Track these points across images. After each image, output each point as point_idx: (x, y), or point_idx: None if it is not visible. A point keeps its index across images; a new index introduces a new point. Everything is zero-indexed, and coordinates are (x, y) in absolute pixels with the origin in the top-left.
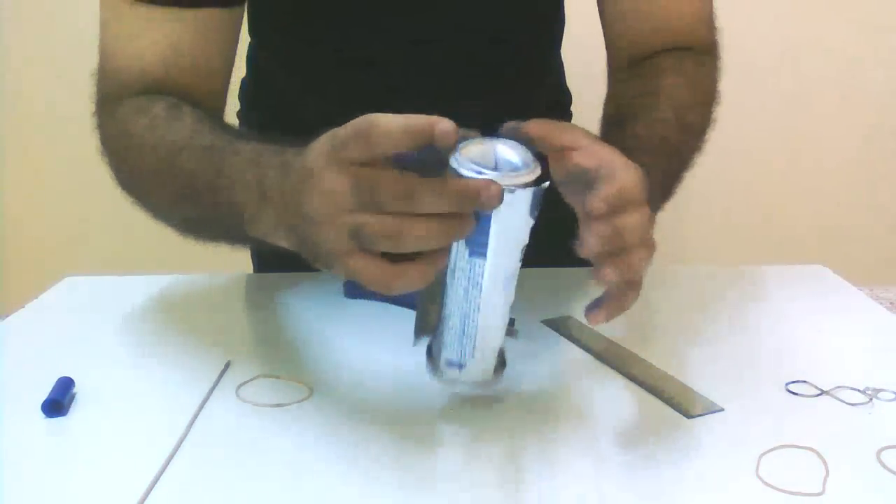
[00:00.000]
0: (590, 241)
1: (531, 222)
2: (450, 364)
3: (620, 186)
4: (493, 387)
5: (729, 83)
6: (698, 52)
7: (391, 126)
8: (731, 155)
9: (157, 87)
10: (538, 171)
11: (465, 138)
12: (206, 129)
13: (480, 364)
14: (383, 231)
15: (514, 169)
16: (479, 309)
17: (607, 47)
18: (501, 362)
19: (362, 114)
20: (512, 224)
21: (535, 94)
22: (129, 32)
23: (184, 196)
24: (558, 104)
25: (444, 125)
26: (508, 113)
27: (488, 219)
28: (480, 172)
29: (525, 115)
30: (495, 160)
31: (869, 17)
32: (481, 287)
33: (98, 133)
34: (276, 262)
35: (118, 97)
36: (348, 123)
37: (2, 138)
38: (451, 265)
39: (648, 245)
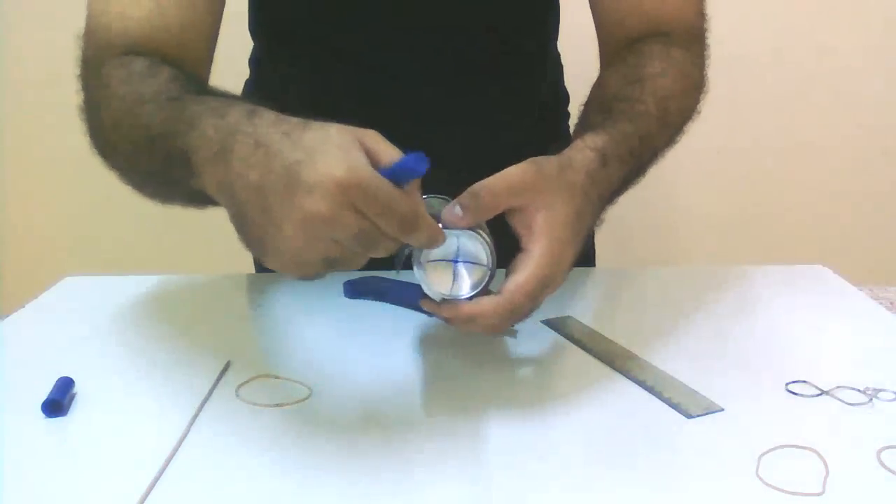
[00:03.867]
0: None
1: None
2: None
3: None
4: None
5: (729, 82)
6: (687, 38)
7: (411, 219)
8: (731, 155)
9: (142, 49)
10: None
11: (433, 197)
12: (179, 84)
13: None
14: (354, 265)
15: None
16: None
17: (598, 32)
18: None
19: (357, 115)
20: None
21: (530, 91)
22: None
23: (140, 147)
24: (553, 104)
25: (440, 240)
26: (504, 109)
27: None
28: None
29: (518, 112)
30: (457, 251)
31: (869, 16)
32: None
33: (81, 93)
34: None
35: (102, 58)
36: (378, 181)
37: (2, 138)
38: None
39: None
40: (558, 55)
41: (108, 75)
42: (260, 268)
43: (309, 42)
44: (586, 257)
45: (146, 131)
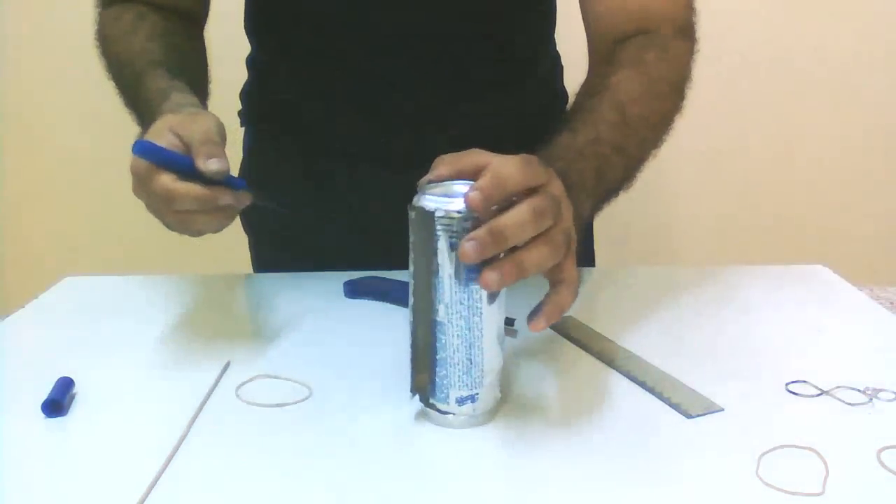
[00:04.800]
0: (465, 247)
1: None
2: (462, 402)
3: (494, 174)
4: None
5: (729, 83)
6: (673, 34)
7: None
8: (731, 155)
9: None
10: None
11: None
12: (149, 52)
13: (490, 390)
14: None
15: None
16: (482, 334)
17: (586, 31)
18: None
19: (353, 110)
20: None
21: (526, 91)
22: None
23: (119, 86)
24: (551, 104)
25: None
26: (501, 111)
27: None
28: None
29: (516, 113)
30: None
31: (869, 16)
32: (481, 311)
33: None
34: (275, 262)
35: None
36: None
37: (2, 138)
38: (443, 307)
39: (550, 241)
40: (557, 55)
41: (105, 25)
42: (260, 268)
43: (303, 42)
44: (586, 257)
45: (120, 81)
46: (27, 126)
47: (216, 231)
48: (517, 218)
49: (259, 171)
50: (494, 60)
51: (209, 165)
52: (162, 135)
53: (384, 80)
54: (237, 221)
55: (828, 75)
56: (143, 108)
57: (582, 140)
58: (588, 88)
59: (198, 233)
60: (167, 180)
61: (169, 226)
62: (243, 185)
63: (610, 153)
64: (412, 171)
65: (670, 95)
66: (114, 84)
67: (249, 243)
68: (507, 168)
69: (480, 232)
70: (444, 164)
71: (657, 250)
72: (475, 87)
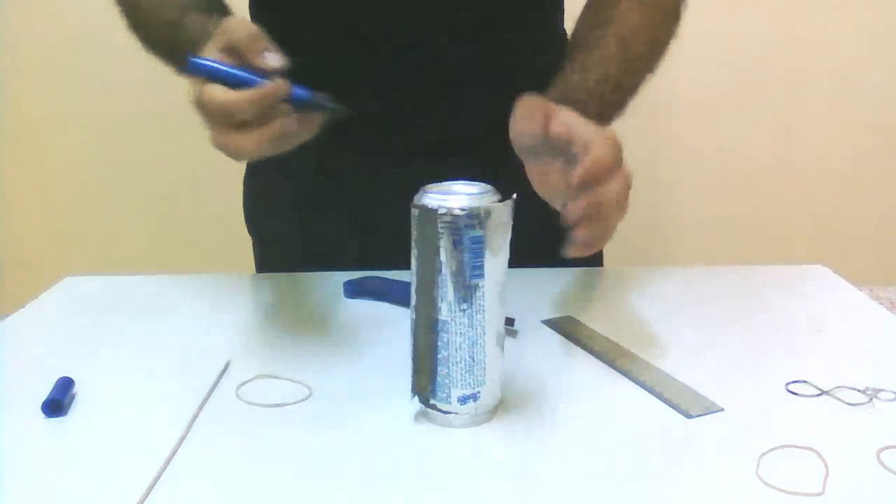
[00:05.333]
0: (572, 209)
1: (509, 235)
2: (464, 401)
3: (596, 158)
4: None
5: (730, 82)
6: None
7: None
8: (731, 155)
9: None
10: (499, 195)
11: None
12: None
13: (492, 388)
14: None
15: (481, 193)
16: (485, 331)
17: None
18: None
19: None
20: (498, 238)
21: (529, 34)
22: None
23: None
24: (552, 47)
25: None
26: (501, 55)
27: (480, 239)
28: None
29: (517, 57)
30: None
31: (869, 15)
32: (484, 309)
33: None
34: (276, 262)
35: None
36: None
37: (2, 138)
38: (445, 305)
39: (623, 207)
40: (564, 33)
41: None
42: (260, 268)
43: (306, 22)
44: (596, 255)
45: (150, 32)
46: (27, 126)
47: (277, 150)
48: (613, 191)
49: (264, 164)
50: (499, 36)
51: (267, 61)
52: (209, 52)
53: (378, 26)
54: (240, 221)
55: (828, 75)
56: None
57: (592, 80)
58: (591, 20)
59: (265, 150)
60: (218, 92)
61: (235, 152)
62: (306, 91)
63: (613, 91)
64: (414, 161)
65: (669, 22)
66: (142, 35)
67: (254, 245)
68: (602, 152)
69: (586, 199)
70: (534, 118)
71: (657, 250)
72: (473, 31)
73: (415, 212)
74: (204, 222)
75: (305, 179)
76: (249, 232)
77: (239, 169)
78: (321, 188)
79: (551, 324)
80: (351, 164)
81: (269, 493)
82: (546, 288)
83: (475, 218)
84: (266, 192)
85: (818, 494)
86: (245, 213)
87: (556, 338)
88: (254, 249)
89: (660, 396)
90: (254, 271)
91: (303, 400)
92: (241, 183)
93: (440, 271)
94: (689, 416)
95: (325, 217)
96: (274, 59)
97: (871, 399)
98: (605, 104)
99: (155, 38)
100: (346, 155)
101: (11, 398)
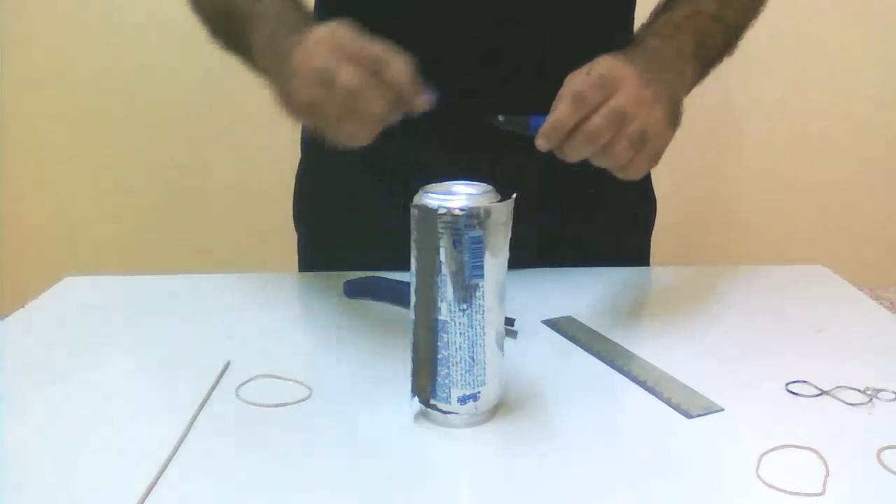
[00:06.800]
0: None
1: (509, 235)
2: (464, 401)
3: (594, 67)
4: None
5: (730, 82)
6: None
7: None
8: (731, 155)
9: None
10: (499, 195)
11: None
12: None
13: (492, 388)
14: (358, 120)
15: (481, 193)
16: (485, 331)
17: None
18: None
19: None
20: (498, 238)
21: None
22: None
23: (220, 25)
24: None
25: (423, 99)
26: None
27: (480, 239)
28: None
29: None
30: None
31: (870, 15)
32: (484, 308)
33: None
34: (327, 259)
35: None
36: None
37: (2, 138)
38: (445, 305)
39: (632, 123)
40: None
41: None
42: (307, 266)
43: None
44: (642, 255)
45: (233, 26)
46: (27, 126)
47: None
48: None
49: (317, 158)
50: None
51: (426, 103)
52: (349, 72)
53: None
54: (240, 221)
55: (828, 75)
56: (251, 30)
57: (679, 15)
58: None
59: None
60: (363, 74)
61: (348, 138)
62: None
63: (709, 22)
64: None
65: None
66: (222, 32)
67: (299, 241)
68: (606, 63)
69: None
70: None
71: (656, 250)
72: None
73: (414, 212)
74: (204, 223)
75: (363, 175)
76: (297, 229)
77: (238, 169)
78: (377, 183)
79: (551, 324)
80: (411, 155)
81: (269, 493)
82: (546, 288)
83: (475, 218)
84: (321, 190)
85: (818, 494)
86: (295, 210)
87: (556, 338)
88: (299, 246)
89: (660, 396)
90: (254, 271)
91: (303, 400)
92: (241, 183)
93: (440, 271)
94: (689, 416)
95: (381, 213)
96: (429, 101)
97: (871, 399)
98: (702, 32)
99: (231, 30)
100: (412, 146)
101: (11, 398)
